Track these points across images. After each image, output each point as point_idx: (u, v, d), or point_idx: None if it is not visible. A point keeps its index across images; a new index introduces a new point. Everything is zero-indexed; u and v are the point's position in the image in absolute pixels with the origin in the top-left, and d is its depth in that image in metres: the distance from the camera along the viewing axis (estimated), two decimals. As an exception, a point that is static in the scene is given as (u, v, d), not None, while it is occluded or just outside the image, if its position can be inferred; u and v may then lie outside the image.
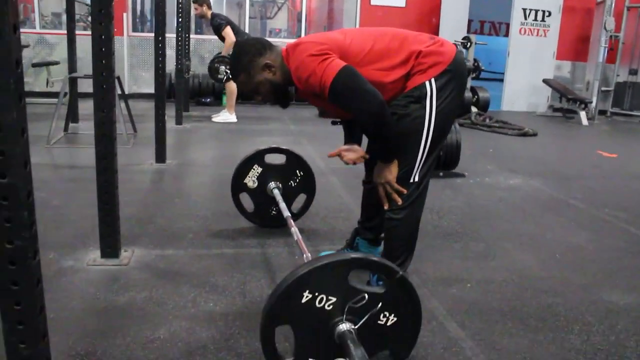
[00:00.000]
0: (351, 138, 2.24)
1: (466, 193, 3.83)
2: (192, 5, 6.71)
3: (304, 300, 1.38)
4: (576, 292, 2.27)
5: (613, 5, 8.82)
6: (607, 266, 2.59)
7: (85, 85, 6.54)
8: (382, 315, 1.45)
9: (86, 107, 6.32)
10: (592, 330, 1.96)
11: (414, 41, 1.92)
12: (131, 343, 1.74)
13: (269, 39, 2.09)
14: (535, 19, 9.41)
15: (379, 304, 1.43)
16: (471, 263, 2.55)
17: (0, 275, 1.11)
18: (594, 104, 8.86)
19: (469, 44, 8.56)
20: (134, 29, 8.65)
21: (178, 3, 6.14)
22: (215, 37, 6.74)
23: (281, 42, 8.11)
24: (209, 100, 8.15)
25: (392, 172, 1.94)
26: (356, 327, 1.41)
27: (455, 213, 3.32)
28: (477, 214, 3.35)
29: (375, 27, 2.03)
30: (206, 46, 8.69)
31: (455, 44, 1.99)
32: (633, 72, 9.54)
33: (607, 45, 9.10)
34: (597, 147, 6.26)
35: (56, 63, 7.58)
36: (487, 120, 7.31)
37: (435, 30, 9.04)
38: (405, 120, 1.90)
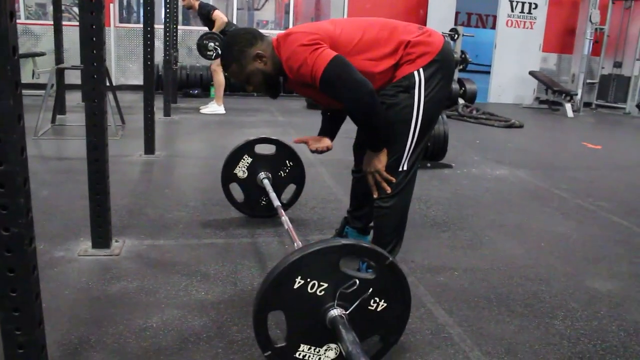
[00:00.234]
0: (325, 133, 2.27)
1: (453, 183, 3.88)
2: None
3: (296, 286, 1.40)
4: (560, 280, 2.32)
5: (598, -2, 8.92)
6: (590, 254, 2.65)
7: (73, 77, 6.49)
8: (372, 300, 1.47)
9: (73, 99, 6.28)
10: (575, 316, 2.01)
11: (403, 31, 1.94)
12: (124, 331, 1.75)
13: (259, 30, 2.10)
14: (522, 11, 9.48)
15: (369, 289, 1.45)
16: (459, 252, 2.59)
17: (-3, 262, 1.12)
18: (579, 96, 8.96)
19: (456, 35, 8.61)
20: (121, 20, 8.57)
21: (165, -6, 6.10)
22: (204, 28, 6.70)
23: (269, 33, 8.08)
24: (196, 92, 8.11)
25: (381, 161, 1.97)
26: (347, 312, 1.44)
27: (443, 203, 3.36)
28: (464, 204, 3.39)
29: (364, 18, 2.05)
30: (194, 37, 8.59)
31: (443, 35, 2.01)
32: (617, 65, 9.66)
33: (592, 38, 9.19)
34: (582, 138, 6.35)
35: (42, 54, 7.49)
36: (474, 112, 7.37)
37: (422, 22, 9.05)
38: (394, 110, 1.92)
